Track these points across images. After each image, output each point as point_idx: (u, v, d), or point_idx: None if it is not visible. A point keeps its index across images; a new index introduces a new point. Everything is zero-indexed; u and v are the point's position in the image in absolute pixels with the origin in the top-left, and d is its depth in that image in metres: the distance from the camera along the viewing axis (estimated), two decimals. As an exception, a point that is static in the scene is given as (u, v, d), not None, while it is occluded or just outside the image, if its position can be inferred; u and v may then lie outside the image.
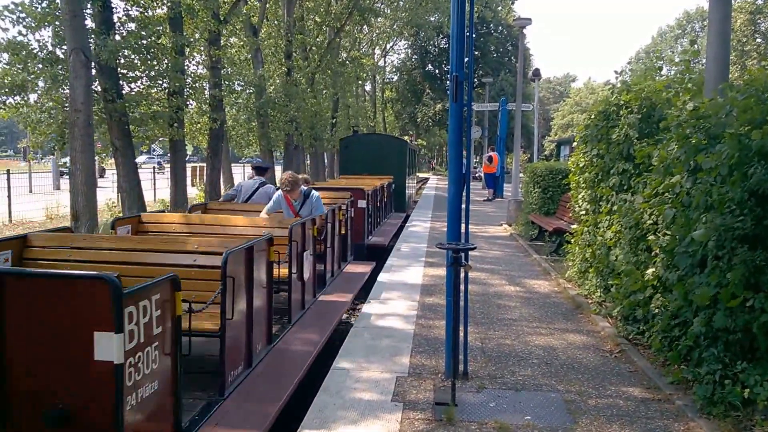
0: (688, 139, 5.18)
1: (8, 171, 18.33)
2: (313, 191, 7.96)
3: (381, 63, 53.18)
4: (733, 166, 4.45)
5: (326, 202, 9.30)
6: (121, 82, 12.04)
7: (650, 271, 5.82)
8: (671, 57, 56.37)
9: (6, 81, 10.65)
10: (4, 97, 10.90)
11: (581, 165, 8.59)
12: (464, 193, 5.26)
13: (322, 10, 26.91)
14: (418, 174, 56.12)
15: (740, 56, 48.13)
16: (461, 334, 5.09)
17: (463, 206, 5.24)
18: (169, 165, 16.12)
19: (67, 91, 10.55)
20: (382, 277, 9.43)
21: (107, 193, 17.80)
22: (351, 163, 19.68)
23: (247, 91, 21.06)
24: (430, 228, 15.70)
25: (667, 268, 5.48)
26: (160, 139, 14.77)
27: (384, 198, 15.47)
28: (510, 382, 5.20)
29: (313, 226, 7.12)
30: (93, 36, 10.72)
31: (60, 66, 10.88)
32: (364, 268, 9.60)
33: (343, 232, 9.20)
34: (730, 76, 6.05)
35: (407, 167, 20.73)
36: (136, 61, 12.25)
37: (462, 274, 5.00)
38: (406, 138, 34.77)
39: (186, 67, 14.46)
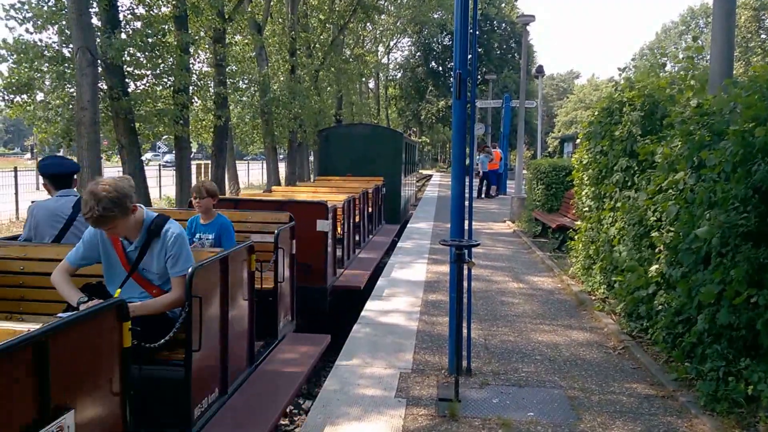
0: (692, 136, 5.19)
1: (15, 168, 18.44)
2: (172, 224, 3.74)
3: (384, 60, 53.22)
4: (737, 162, 4.44)
5: (246, 229, 6.16)
6: (126, 80, 12.10)
7: (654, 267, 5.83)
8: (675, 53, 56.16)
9: (13, 80, 10.74)
10: (12, 96, 10.99)
11: (585, 162, 8.60)
12: (467, 190, 5.27)
13: (326, 7, 26.95)
14: (421, 171, 56.22)
15: (744, 52, 47.94)
16: (464, 330, 5.11)
17: (467, 203, 5.26)
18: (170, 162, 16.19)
19: (74, 89, 10.62)
20: (388, 269, 9.46)
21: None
22: (331, 161, 16.04)
23: (252, 89, 21.11)
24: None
25: (670, 265, 5.49)
26: (165, 136, 14.83)
27: (369, 209, 11.91)
28: (513, 379, 5.22)
29: (121, 325, 2.72)
30: (99, 34, 10.77)
31: (66, 64, 10.95)
32: (308, 350, 5.44)
33: (270, 286, 5.40)
34: (734, 72, 6.05)
35: (404, 165, 16.87)
36: (141, 59, 12.31)
37: (465, 271, 5.02)
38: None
39: (191, 65, 14.52)
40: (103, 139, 11.94)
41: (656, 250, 5.95)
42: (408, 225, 15.23)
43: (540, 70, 25.93)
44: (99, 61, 10.34)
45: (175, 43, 13.12)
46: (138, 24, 12.58)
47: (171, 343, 3.50)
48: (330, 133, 16.67)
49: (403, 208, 17.17)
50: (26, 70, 10.87)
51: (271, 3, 22.72)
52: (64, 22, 10.91)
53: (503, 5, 51.47)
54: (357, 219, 10.46)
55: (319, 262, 7.50)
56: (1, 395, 2.01)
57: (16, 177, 17.47)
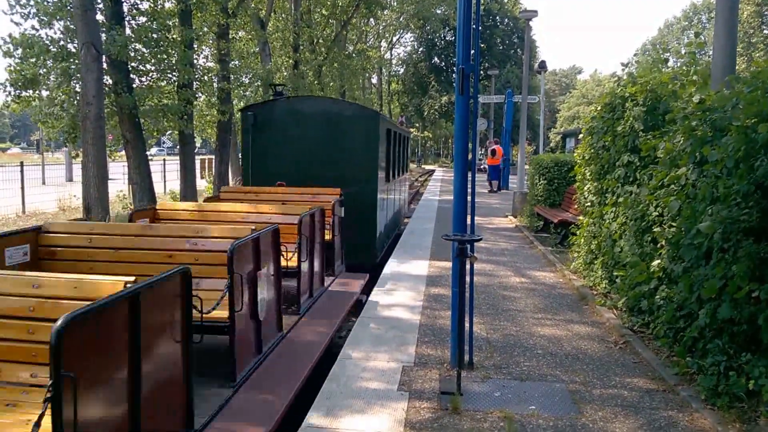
0: (694, 132, 5.20)
1: (22, 163, 18.53)
2: None
3: (387, 55, 53.18)
4: (739, 158, 4.46)
5: None
6: (131, 75, 12.15)
7: (655, 262, 5.85)
8: (677, 49, 56.13)
9: (19, 76, 10.81)
10: (18, 91, 11.06)
11: (587, 157, 8.61)
12: (470, 185, 5.30)
13: (329, 2, 26.91)
14: (423, 166, 56.04)
15: (747, 48, 47.79)
16: (467, 324, 5.14)
17: (469, 198, 5.29)
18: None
19: (79, 84, 10.68)
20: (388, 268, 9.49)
21: (118, 185, 17.94)
22: (263, 157, 10.22)
23: (255, 84, 21.14)
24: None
25: (672, 260, 5.52)
26: (169, 132, 14.89)
27: (294, 257, 6.26)
28: (515, 372, 5.26)
29: None
30: (104, 30, 10.83)
31: (71, 60, 11.01)
32: None
33: None
34: (736, 68, 6.06)
35: (384, 163, 11.19)
36: (146, 54, 12.37)
37: (467, 265, 5.05)
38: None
39: (195, 60, 14.57)
40: (108, 134, 11.99)
41: (658, 245, 5.98)
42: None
43: (542, 65, 25.86)
44: (104, 56, 10.38)
45: (179, 38, 13.16)
46: (142, 19, 12.63)
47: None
48: (260, 113, 10.29)
49: (382, 236, 11.10)
50: (32, 65, 10.94)
51: (274, -2, 22.73)
52: (69, 18, 10.96)
53: (506, 0, 51.35)
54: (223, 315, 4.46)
55: None
56: None
57: (22, 171, 17.55)
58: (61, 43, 11.29)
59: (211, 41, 17.28)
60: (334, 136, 10.14)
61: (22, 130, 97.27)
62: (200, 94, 15.59)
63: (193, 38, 13.53)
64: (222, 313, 4.33)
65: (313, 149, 10.10)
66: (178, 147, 16.04)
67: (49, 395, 2.33)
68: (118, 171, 22.88)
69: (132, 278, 3.12)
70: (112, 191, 12.52)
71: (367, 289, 8.22)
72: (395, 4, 36.30)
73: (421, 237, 12.73)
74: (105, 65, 10.76)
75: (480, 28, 5.49)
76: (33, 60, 10.84)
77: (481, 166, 33.73)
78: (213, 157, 20.12)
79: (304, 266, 6.49)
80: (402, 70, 56.85)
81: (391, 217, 12.54)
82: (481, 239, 5.21)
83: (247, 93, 21.44)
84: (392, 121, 14.16)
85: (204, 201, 7.40)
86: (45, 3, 11.01)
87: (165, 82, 13.54)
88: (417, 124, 57.20)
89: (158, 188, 17.87)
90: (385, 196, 11.31)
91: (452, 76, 46.80)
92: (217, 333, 4.41)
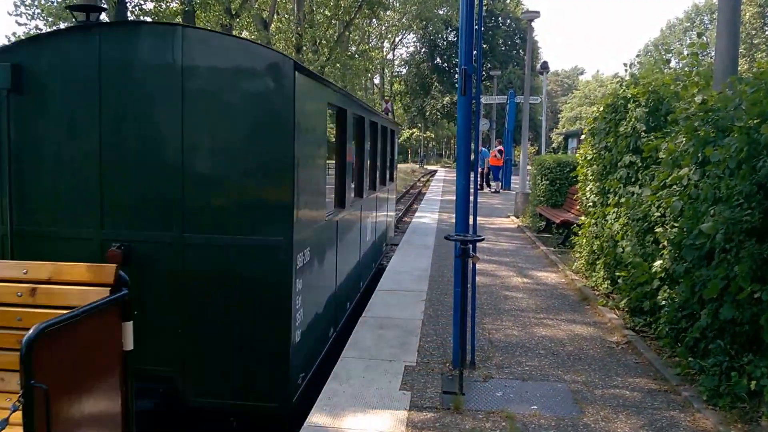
0: (697, 132, 5.21)
1: None
2: None
3: (390, 56, 53.20)
4: (741, 159, 4.47)
5: None
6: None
7: (657, 263, 5.85)
8: (680, 50, 56.13)
9: None
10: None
11: (589, 157, 8.63)
12: (472, 186, 5.31)
13: (331, 3, 26.93)
14: (426, 166, 55.94)
15: (749, 49, 47.78)
16: (468, 324, 5.15)
17: (471, 198, 5.30)
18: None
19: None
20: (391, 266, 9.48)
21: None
22: (36, 158, 4.59)
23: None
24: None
25: (674, 261, 5.52)
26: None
27: None
28: (517, 372, 5.26)
29: None
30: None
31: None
32: None
33: None
34: (739, 69, 6.06)
35: (336, 170, 6.65)
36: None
37: (470, 265, 5.06)
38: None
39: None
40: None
41: (660, 245, 5.98)
42: None
43: (544, 66, 25.89)
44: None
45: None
46: (147, 19, 12.67)
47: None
48: (31, 61, 4.52)
49: (306, 342, 4.97)
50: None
51: (277, -1, 22.79)
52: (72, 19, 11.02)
53: (508, 1, 51.41)
54: None
55: None
56: None
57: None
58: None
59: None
60: (198, 113, 4.49)
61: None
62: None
63: (195, 38, 13.59)
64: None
65: (150, 145, 4.60)
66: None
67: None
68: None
69: None
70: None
71: None
72: (398, 4, 36.33)
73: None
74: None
75: (482, 28, 5.50)
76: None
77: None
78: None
79: None
80: (404, 71, 56.96)
81: (342, 283, 6.69)
82: (483, 239, 5.22)
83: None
84: (355, 98, 7.74)
85: None
86: (49, 3, 11.05)
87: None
88: (419, 125, 57.26)
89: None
90: (327, 245, 5.85)
91: (454, 77, 46.84)
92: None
